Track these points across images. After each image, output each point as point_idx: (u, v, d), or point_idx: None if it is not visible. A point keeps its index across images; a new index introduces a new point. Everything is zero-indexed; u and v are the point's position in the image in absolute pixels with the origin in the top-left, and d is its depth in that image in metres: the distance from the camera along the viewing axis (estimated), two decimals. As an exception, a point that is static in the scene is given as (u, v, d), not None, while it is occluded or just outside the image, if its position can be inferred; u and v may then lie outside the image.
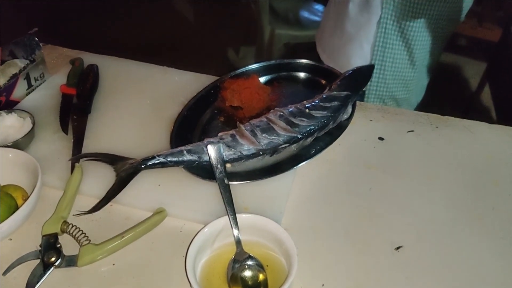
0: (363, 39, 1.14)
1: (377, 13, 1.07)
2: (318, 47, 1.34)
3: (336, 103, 0.81)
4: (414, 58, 1.13)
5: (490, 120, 0.94)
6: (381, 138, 0.88)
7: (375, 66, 1.15)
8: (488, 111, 1.94)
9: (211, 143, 0.75)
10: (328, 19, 1.28)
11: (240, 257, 0.62)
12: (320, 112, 0.80)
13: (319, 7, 2.34)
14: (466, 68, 2.21)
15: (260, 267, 0.62)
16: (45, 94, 0.97)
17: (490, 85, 1.91)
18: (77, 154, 0.81)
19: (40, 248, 0.65)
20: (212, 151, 0.72)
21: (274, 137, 0.77)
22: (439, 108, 0.97)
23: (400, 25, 1.07)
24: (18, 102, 0.94)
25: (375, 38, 1.11)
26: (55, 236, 0.66)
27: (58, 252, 0.64)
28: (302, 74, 0.98)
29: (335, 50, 1.23)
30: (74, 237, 0.67)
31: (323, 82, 0.95)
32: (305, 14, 2.35)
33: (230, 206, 0.65)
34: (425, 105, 1.28)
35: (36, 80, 0.98)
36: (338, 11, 1.19)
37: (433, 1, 1.02)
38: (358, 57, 1.17)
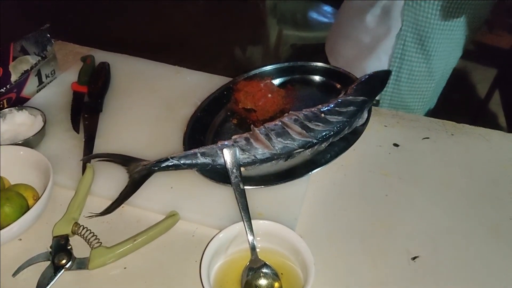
0: (381, 51, 1.12)
1: (397, 25, 1.06)
2: (329, 56, 1.32)
3: (352, 108, 0.80)
4: (432, 70, 1.11)
5: (499, 127, 0.92)
6: (396, 145, 0.87)
7: (391, 79, 1.15)
8: (497, 118, 1.92)
9: (226, 146, 0.73)
10: (341, 29, 1.26)
11: (255, 265, 0.61)
12: (335, 117, 0.78)
13: (327, 8, 2.32)
14: (476, 75, 2.19)
15: (275, 275, 0.60)
16: (56, 92, 0.96)
17: (500, 92, 1.89)
18: (89, 154, 0.80)
19: (50, 250, 0.64)
20: (227, 155, 0.71)
21: (289, 142, 0.75)
22: (447, 114, 0.96)
23: (421, 37, 1.05)
24: (29, 99, 0.93)
25: (393, 50, 1.09)
26: (66, 238, 0.65)
27: (69, 254, 0.63)
28: (316, 77, 0.97)
29: (350, 61, 1.21)
30: (85, 239, 0.66)
31: (338, 86, 0.94)
32: (313, 15, 2.33)
33: (245, 211, 0.64)
34: (434, 111, 1.26)
35: (47, 77, 0.97)
36: (353, 22, 1.17)
37: (454, 11, 1.01)
38: (375, 69, 1.15)
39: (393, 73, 1.12)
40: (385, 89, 0.95)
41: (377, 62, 1.13)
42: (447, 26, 1.04)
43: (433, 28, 1.03)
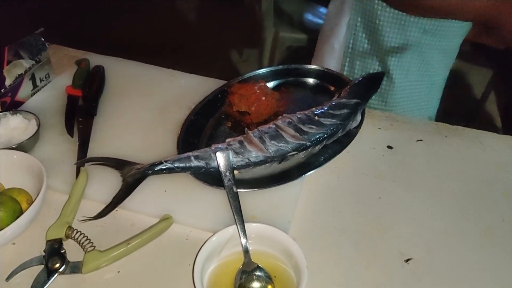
0: (334, 40, 1.12)
1: (348, 14, 1.06)
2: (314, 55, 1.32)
3: (345, 110, 0.80)
4: (387, 67, 1.07)
5: (494, 129, 0.93)
6: (389, 147, 0.87)
7: (345, 70, 1.14)
8: (492, 120, 1.93)
9: (220, 149, 0.74)
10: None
11: (248, 268, 0.61)
12: (329, 119, 0.79)
13: (323, 10, 2.33)
14: (471, 76, 2.20)
15: (268, 278, 0.61)
16: (50, 95, 0.96)
17: (495, 93, 1.90)
18: (83, 157, 0.80)
19: (44, 254, 0.64)
20: (221, 158, 0.71)
21: (282, 144, 0.76)
22: (443, 116, 0.97)
23: (370, 28, 1.04)
24: (23, 103, 0.93)
25: (345, 40, 1.09)
26: (59, 242, 0.65)
27: (63, 258, 0.63)
28: (310, 80, 0.97)
29: (316, 51, 1.22)
30: (78, 243, 0.66)
31: (332, 89, 0.94)
32: (309, 16, 2.34)
33: (238, 214, 0.64)
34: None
35: (41, 80, 0.97)
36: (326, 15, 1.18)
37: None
38: (331, 58, 1.14)
39: (347, 65, 1.12)
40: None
41: (331, 51, 1.13)
42: (397, 22, 1.01)
43: (380, 21, 1.02)
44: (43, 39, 0.97)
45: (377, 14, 1.01)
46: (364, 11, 1.03)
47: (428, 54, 1.07)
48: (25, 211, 0.66)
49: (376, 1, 0.99)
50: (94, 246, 0.65)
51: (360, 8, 1.03)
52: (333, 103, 0.82)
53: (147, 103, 0.95)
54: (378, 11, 1.00)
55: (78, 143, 0.83)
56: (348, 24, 1.07)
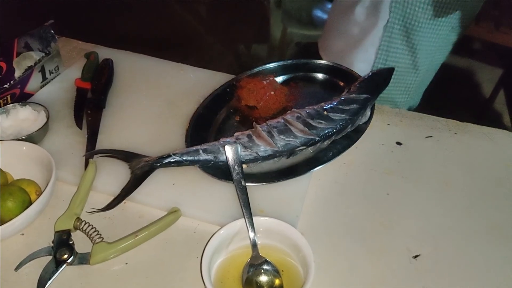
0: (368, 43, 1.12)
1: (385, 17, 1.06)
2: (320, 51, 1.32)
3: (355, 106, 0.80)
4: (417, 63, 1.11)
5: (504, 127, 0.92)
6: (399, 143, 0.87)
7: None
8: (502, 118, 1.92)
9: (228, 143, 0.73)
10: (332, 24, 1.26)
11: (256, 261, 0.61)
12: (338, 114, 0.78)
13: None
14: (481, 73, 2.18)
15: (276, 272, 0.60)
16: (60, 88, 0.96)
17: (505, 92, 1.88)
18: (91, 149, 0.80)
19: (52, 245, 0.64)
20: (229, 152, 0.71)
21: (291, 139, 0.75)
22: (451, 113, 0.96)
23: (407, 29, 1.05)
24: (32, 94, 0.93)
25: (380, 42, 1.09)
26: (68, 233, 0.65)
27: (71, 249, 0.63)
28: (319, 75, 0.97)
29: (339, 54, 1.21)
30: (87, 234, 0.66)
31: (341, 84, 0.94)
32: (318, 13, 2.33)
33: (246, 208, 0.64)
34: (437, 109, 1.25)
35: (50, 73, 0.97)
36: (344, 15, 1.17)
37: (442, 8, 1.01)
38: (362, 61, 1.15)
39: (379, 65, 1.12)
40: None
41: (364, 55, 1.13)
42: (434, 22, 1.03)
43: (420, 22, 1.03)
44: (52, 31, 0.97)
45: (417, 16, 1.02)
46: (404, 13, 1.03)
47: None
48: (34, 202, 0.67)
49: (415, 1, 1.00)
50: (102, 238, 0.65)
51: (399, 10, 1.03)
52: (343, 98, 0.81)
53: (156, 96, 0.95)
54: (419, 13, 1.02)
55: (86, 135, 0.83)
56: (386, 27, 1.07)
